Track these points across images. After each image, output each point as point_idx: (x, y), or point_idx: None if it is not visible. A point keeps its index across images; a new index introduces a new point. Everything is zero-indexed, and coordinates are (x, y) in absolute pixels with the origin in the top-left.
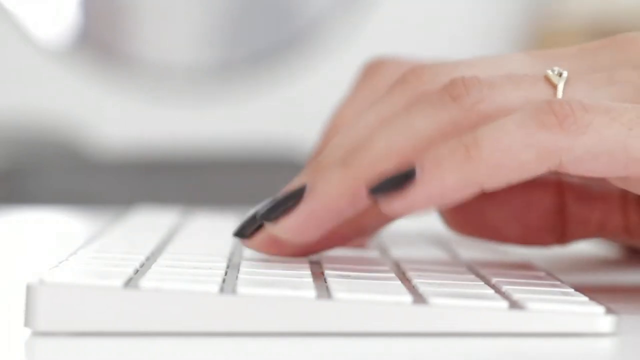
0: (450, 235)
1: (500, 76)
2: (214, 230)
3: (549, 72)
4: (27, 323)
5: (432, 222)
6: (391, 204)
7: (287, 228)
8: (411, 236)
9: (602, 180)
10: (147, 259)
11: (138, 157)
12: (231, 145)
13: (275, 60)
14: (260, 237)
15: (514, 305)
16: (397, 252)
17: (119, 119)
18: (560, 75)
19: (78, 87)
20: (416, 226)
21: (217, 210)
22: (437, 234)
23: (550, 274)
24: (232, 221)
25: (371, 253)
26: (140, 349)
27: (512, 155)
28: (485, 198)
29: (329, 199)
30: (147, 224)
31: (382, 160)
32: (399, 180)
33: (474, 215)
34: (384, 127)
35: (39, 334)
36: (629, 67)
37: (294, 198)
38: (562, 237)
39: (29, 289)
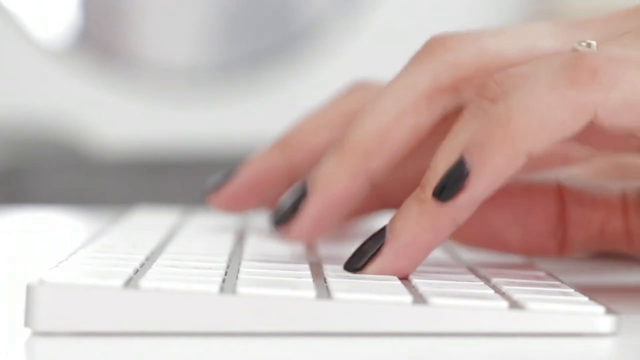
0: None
1: (528, 65)
2: (213, 230)
3: (576, 45)
4: (27, 323)
5: None
6: (458, 201)
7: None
8: None
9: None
10: (147, 259)
11: (138, 157)
12: (231, 145)
13: (275, 60)
14: (374, 265)
15: (514, 305)
16: None
17: (119, 119)
18: (589, 46)
19: (78, 87)
20: None
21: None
22: None
23: (550, 274)
24: (231, 221)
25: None
26: (140, 349)
27: (548, 118)
28: (487, 205)
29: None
30: (147, 224)
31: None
32: (456, 178)
33: (476, 224)
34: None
35: (39, 334)
36: None
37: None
38: (563, 243)
39: (29, 289)
